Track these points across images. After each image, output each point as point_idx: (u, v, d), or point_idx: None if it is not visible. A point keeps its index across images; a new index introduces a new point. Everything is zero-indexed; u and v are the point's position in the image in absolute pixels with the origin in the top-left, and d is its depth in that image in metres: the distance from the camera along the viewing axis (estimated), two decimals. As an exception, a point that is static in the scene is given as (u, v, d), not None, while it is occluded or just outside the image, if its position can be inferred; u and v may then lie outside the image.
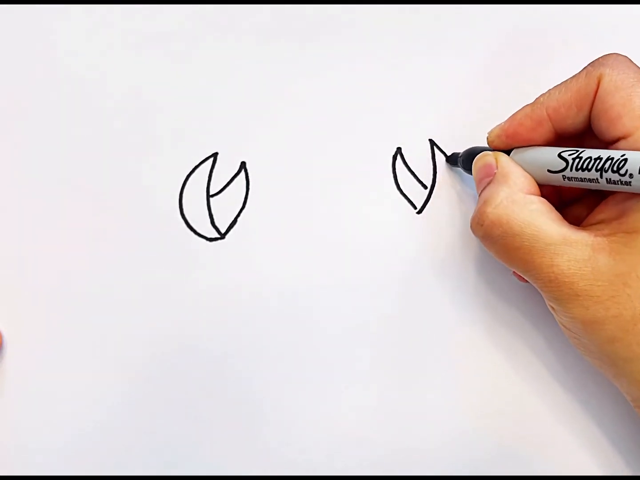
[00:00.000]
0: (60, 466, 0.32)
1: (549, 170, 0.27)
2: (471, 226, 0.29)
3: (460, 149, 0.32)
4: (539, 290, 0.27)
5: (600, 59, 0.27)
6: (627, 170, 0.24)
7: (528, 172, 0.28)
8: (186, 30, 0.35)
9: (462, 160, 0.32)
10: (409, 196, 0.33)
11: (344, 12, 0.34)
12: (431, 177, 0.33)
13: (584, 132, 0.28)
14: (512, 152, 0.29)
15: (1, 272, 0.33)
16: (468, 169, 0.31)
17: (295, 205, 0.33)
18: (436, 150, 0.33)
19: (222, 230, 0.33)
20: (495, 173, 0.28)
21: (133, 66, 0.34)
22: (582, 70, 0.28)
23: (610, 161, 0.25)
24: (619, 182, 0.24)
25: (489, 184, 0.28)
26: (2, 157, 0.34)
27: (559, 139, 0.29)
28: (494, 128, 0.30)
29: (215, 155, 0.34)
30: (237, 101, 0.34)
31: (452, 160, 0.33)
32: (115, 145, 0.34)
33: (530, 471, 0.31)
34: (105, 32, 0.35)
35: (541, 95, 0.28)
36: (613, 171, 0.24)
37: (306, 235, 0.33)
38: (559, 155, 0.27)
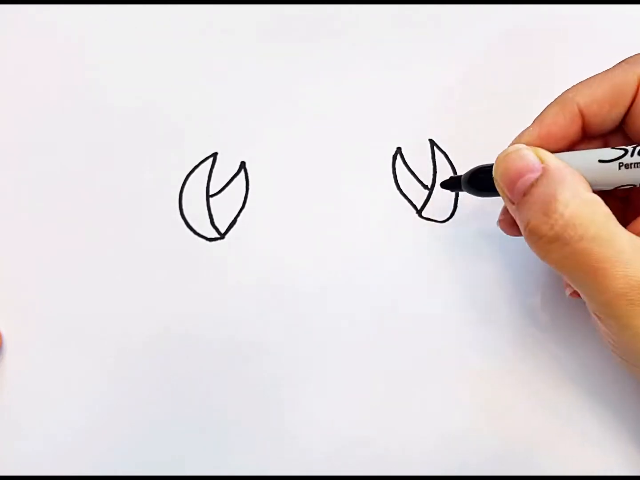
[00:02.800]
0: (62, 466, 0.32)
1: (600, 161, 0.24)
2: (532, 231, 0.24)
3: (460, 148, 0.32)
4: (597, 306, 0.24)
5: (636, 56, 0.26)
6: None
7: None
8: (187, 30, 0.35)
9: (469, 179, 0.28)
10: (409, 196, 0.33)
11: (344, 13, 0.34)
12: (431, 177, 0.33)
13: (609, 133, 0.27)
14: None
15: (1, 272, 0.33)
16: (476, 188, 0.28)
17: (294, 205, 0.33)
18: (436, 150, 0.33)
19: (222, 230, 0.33)
20: (542, 168, 0.24)
21: (133, 66, 0.34)
22: (616, 66, 0.26)
23: None
24: None
25: (536, 181, 0.24)
26: (2, 157, 0.34)
27: (583, 140, 0.27)
28: (520, 136, 0.26)
29: (215, 155, 0.34)
30: (237, 101, 0.34)
31: (452, 184, 0.30)
32: (115, 145, 0.34)
33: (530, 471, 0.31)
34: (106, 32, 0.35)
35: (568, 91, 0.26)
36: None
37: (306, 235, 0.33)
38: (613, 148, 0.24)
